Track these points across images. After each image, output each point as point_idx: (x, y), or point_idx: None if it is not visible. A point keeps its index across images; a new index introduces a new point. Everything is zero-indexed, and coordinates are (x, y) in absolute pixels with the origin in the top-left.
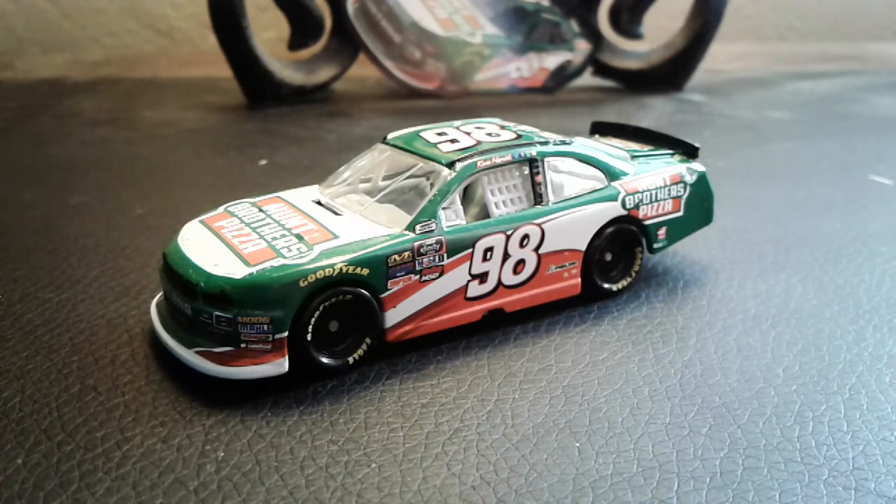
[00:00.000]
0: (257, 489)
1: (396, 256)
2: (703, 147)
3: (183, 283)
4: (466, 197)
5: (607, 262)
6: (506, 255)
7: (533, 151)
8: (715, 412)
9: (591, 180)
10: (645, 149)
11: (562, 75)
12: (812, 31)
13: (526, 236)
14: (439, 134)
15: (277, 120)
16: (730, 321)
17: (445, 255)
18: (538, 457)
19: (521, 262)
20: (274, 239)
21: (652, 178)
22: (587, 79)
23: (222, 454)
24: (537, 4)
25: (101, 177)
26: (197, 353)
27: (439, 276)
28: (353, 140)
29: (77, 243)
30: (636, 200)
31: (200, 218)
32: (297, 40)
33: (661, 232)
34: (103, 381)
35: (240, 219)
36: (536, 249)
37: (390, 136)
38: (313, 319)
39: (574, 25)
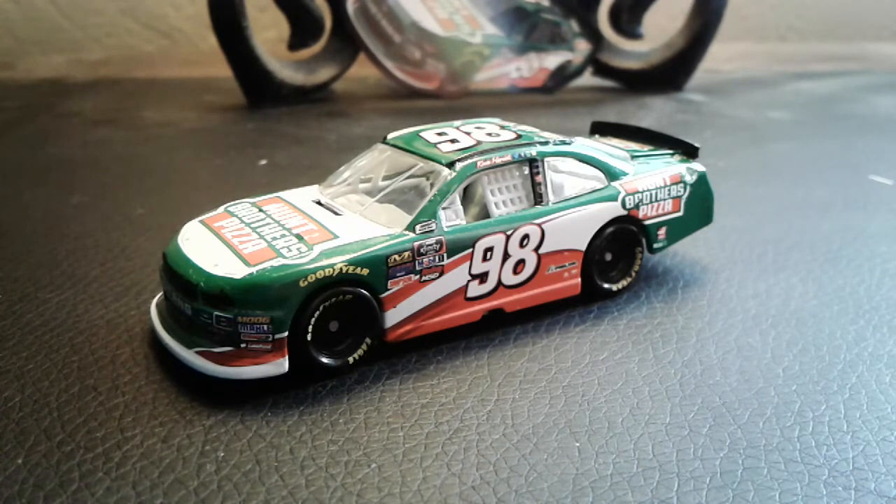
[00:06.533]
0: (257, 489)
1: (396, 256)
2: (703, 147)
3: (183, 283)
4: (466, 197)
5: (607, 262)
6: (506, 255)
7: (533, 151)
8: (715, 412)
9: (591, 180)
10: (645, 149)
11: (562, 75)
12: (812, 31)
13: (526, 236)
14: (439, 134)
15: (277, 120)
16: (730, 321)
17: (445, 255)
18: (538, 457)
19: (521, 262)
20: (274, 239)
21: (652, 178)
22: (587, 79)
23: (222, 454)
24: (537, 4)
25: (101, 177)
26: (197, 353)
27: (439, 276)
28: (353, 140)
29: (77, 243)
30: (636, 200)
31: (200, 218)
32: (297, 40)
33: (661, 232)
34: (103, 381)
35: (240, 219)
36: (536, 249)
37: (390, 136)
38: (313, 319)
39: (574, 25)
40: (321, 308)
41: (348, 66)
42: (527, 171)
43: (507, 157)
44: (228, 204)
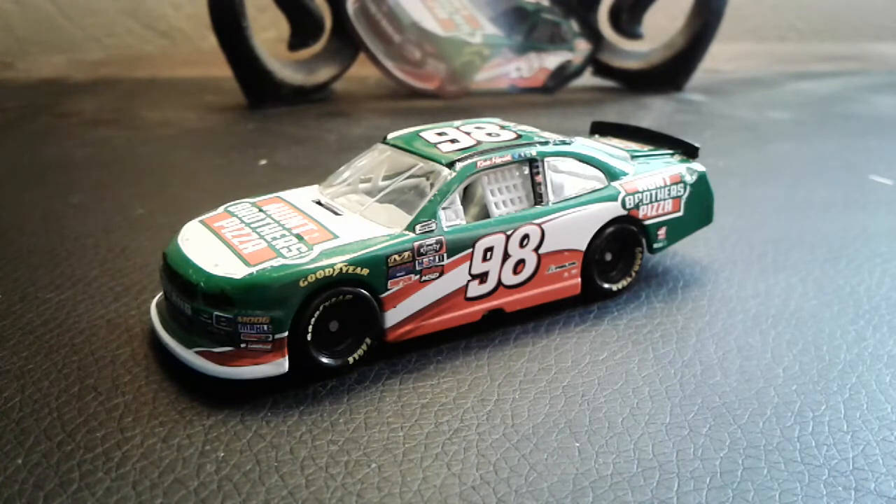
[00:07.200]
0: (257, 489)
1: (396, 256)
2: (703, 147)
3: (183, 283)
4: (466, 197)
5: (607, 262)
6: (506, 255)
7: (533, 151)
8: (715, 412)
9: (591, 180)
10: (645, 149)
11: (562, 75)
12: (812, 31)
13: (526, 236)
14: (439, 134)
15: (277, 120)
16: (730, 321)
17: (445, 255)
18: (538, 457)
19: (521, 262)
20: (274, 239)
21: (652, 178)
22: (587, 79)
23: (222, 454)
24: (537, 4)
25: (101, 177)
26: (197, 353)
27: (439, 276)
28: (353, 140)
29: (77, 243)
30: (636, 200)
31: (200, 218)
32: (297, 40)
33: (661, 232)
34: (103, 381)
35: (240, 219)
36: (536, 249)
37: (390, 136)
38: (313, 319)
39: (574, 25)
40: (321, 308)
41: (348, 66)
42: (527, 171)
43: (507, 157)
44: (228, 204)
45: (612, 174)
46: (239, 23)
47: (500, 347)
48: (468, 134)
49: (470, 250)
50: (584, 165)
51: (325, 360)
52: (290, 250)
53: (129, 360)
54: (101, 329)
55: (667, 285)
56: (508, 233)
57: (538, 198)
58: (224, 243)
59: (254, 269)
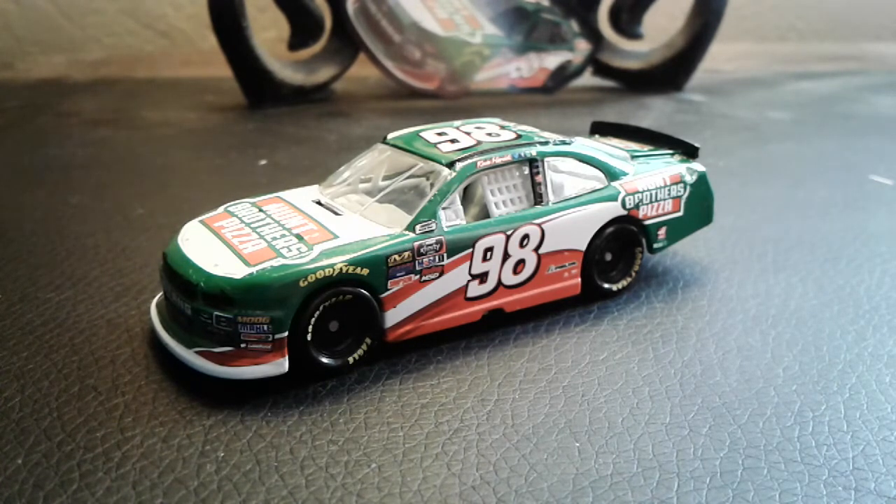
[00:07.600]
0: (257, 489)
1: (396, 256)
2: (703, 147)
3: (183, 283)
4: (466, 197)
5: (607, 262)
6: (506, 255)
7: (533, 151)
8: (715, 412)
9: (591, 180)
10: (645, 149)
11: (562, 75)
12: (812, 31)
13: (526, 236)
14: (439, 134)
15: (277, 120)
16: (730, 321)
17: (445, 255)
18: (538, 457)
19: (521, 262)
20: (274, 239)
21: (652, 178)
22: (587, 79)
23: (222, 454)
24: (537, 4)
25: (101, 177)
26: (197, 353)
27: (439, 276)
28: (353, 140)
29: (77, 243)
30: (636, 200)
31: (200, 218)
32: (297, 40)
33: (661, 232)
34: (103, 381)
35: (240, 219)
36: (536, 249)
37: (390, 136)
38: (313, 319)
39: (574, 25)
40: (321, 308)
41: (348, 66)
42: (527, 171)
43: (507, 157)
44: (228, 204)
45: (612, 174)
46: (239, 23)
47: (500, 347)
48: (468, 134)
49: (470, 250)
50: (584, 165)
51: (325, 360)
52: (290, 250)
53: (129, 360)
54: (101, 329)
55: (667, 285)
56: (508, 233)
57: (538, 198)
58: (224, 243)
59: (254, 269)
